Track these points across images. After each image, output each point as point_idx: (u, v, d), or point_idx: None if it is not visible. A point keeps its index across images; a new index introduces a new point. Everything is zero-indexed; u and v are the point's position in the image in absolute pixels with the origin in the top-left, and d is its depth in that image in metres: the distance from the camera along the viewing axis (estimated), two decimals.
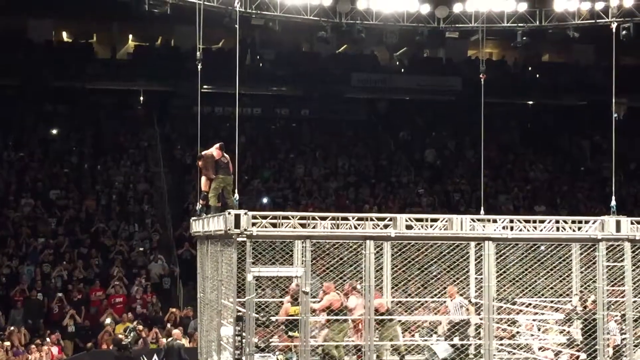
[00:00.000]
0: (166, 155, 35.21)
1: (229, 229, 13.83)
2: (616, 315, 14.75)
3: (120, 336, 18.16)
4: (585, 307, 15.38)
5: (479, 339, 15.76)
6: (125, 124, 36.54)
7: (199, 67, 19.10)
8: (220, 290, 15.89)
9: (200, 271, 18.96)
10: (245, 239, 13.72)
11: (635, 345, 15.12)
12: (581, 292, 16.46)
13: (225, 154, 16.96)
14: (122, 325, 23.59)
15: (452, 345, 17.37)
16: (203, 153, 17.30)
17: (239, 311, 13.83)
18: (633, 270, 14.88)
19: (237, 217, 13.74)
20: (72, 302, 24.98)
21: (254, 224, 13.88)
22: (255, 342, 14.28)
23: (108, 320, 24.04)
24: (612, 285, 14.56)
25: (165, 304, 26.02)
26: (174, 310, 24.85)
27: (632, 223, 14.80)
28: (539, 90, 40.87)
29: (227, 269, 15.02)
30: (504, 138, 39.13)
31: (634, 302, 15.06)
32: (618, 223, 14.61)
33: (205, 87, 30.03)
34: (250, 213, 13.93)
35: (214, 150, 17.09)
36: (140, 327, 18.44)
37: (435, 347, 17.17)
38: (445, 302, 17.75)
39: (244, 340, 13.53)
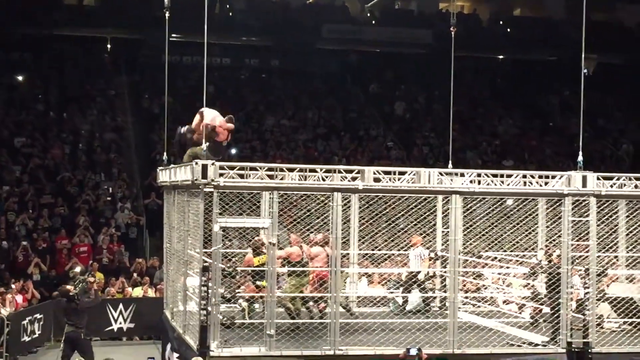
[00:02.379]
0: (134, 104, 34.94)
1: (196, 179, 13.76)
2: (580, 270, 14.92)
3: (68, 287, 18.14)
4: (550, 261, 15.54)
5: (444, 291, 15.91)
6: (92, 72, 36.16)
7: (167, 14, 18.87)
8: (187, 241, 15.86)
9: (167, 221, 18.91)
10: (212, 190, 13.68)
11: (598, 299, 15.35)
12: (546, 246, 16.62)
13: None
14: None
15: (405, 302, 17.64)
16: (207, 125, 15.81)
17: (205, 262, 13.83)
18: (598, 226, 15.04)
19: (205, 167, 13.67)
20: (37, 251, 24.88)
21: (221, 175, 13.81)
22: (221, 292, 14.31)
23: (77, 269, 23.96)
24: (577, 240, 14.71)
25: (131, 254, 26.01)
26: (140, 260, 24.84)
27: (598, 179, 14.92)
28: (509, 45, 40.90)
29: (194, 219, 14.98)
30: (474, 92, 39.21)
31: (598, 256, 15.25)
32: (584, 178, 14.72)
33: (173, 35, 29.73)
34: (218, 163, 13.86)
35: (222, 131, 15.90)
36: (92, 279, 18.42)
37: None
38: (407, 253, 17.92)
39: (210, 291, 13.55)
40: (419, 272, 17.54)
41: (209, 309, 13.50)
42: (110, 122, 33.40)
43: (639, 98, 38.64)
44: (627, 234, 16.78)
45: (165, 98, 21.08)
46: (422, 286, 17.76)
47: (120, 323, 22.20)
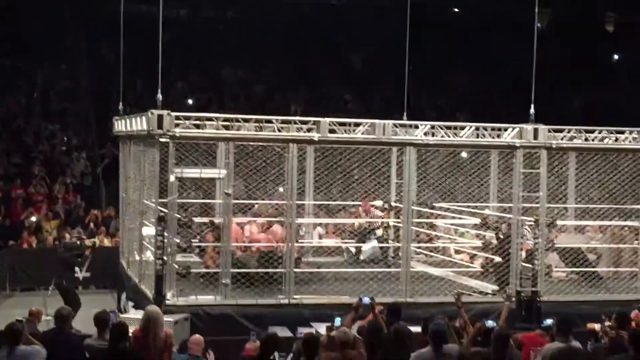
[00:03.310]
0: (90, 53, 34.42)
1: (152, 130, 13.64)
2: (530, 221, 15.11)
3: (67, 234, 18.20)
4: (499, 239, 15.71)
5: (398, 241, 16.03)
6: (47, 20, 35.46)
7: None
8: (143, 191, 15.78)
9: (123, 171, 18.79)
10: (168, 140, 13.57)
11: (547, 249, 15.57)
12: (496, 226, 16.67)
13: None
14: (47, 223, 23.41)
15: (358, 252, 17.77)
16: None
17: (161, 211, 13.77)
18: (548, 178, 15.22)
19: (160, 117, 13.55)
20: None
21: (177, 125, 13.70)
22: (177, 242, 14.28)
23: (33, 219, 23.80)
24: (528, 192, 14.88)
25: (87, 204, 25.80)
26: (95, 212, 24.63)
27: (549, 131, 15.07)
28: None
29: (150, 169, 14.89)
30: (431, 45, 39.14)
31: (548, 208, 15.45)
32: (536, 131, 14.87)
33: None
34: (174, 114, 13.74)
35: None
36: (89, 242, 18.36)
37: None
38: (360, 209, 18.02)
39: (165, 241, 13.51)
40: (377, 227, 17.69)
41: (165, 258, 13.47)
42: (66, 71, 32.90)
43: (592, 52, 38.91)
44: (577, 186, 17.03)
45: (121, 47, 20.80)
46: (377, 236, 17.87)
47: (77, 273, 22.04)
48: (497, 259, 15.37)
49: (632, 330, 10.46)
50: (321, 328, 12.70)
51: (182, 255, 15.97)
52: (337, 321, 10.72)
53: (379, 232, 17.77)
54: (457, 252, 18.10)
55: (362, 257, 17.74)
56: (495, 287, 15.09)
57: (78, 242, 17.90)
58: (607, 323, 11.44)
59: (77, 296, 16.93)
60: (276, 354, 10.17)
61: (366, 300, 11.51)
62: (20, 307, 17.73)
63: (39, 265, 21.05)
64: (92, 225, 23.81)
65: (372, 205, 17.76)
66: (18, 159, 26.91)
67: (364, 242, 17.82)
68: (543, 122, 15.36)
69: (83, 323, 12.90)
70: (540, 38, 17.00)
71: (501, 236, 15.58)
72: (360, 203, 17.93)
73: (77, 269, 19.30)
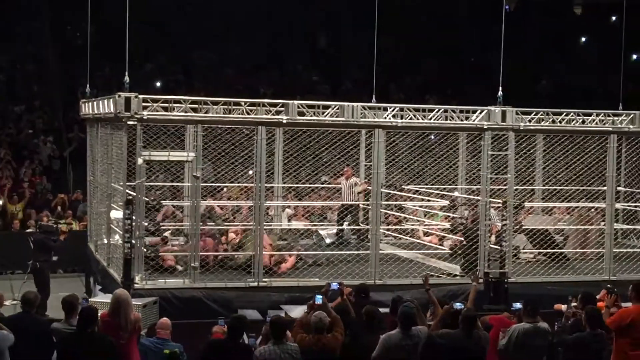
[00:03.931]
0: (56, 35, 34.07)
1: (119, 112, 13.55)
2: (498, 203, 15.21)
3: (44, 217, 18.07)
4: (463, 224, 15.79)
5: (367, 224, 16.07)
6: (14, 1, 35.07)
7: None
8: (111, 174, 15.70)
9: (90, 154, 18.67)
10: (135, 123, 13.49)
11: (515, 231, 15.70)
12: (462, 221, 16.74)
13: None
14: (12, 205, 23.19)
15: (341, 230, 17.77)
16: None
17: (129, 195, 13.70)
18: (516, 160, 15.32)
19: (128, 100, 13.45)
20: None
21: (144, 108, 13.61)
22: (145, 225, 14.23)
23: (0, 202, 23.61)
24: (496, 174, 14.97)
25: (54, 187, 25.61)
26: (62, 195, 24.44)
27: (517, 114, 15.15)
28: None
29: (118, 152, 14.81)
30: (400, 28, 39.13)
31: (516, 189, 15.56)
32: (504, 113, 14.94)
33: None
34: (141, 96, 13.64)
35: None
36: (64, 227, 18.17)
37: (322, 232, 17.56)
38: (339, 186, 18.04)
39: (133, 224, 13.45)
40: (352, 206, 17.67)
41: (133, 241, 13.42)
42: (32, 53, 32.54)
43: (560, 34, 39.11)
44: (544, 168, 17.17)
45: (88, 29, 20.61)
46: (356, 217, 17.89)
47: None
48: (464, 241, 15.47)
49: (588, 309, 10.59)
50: (291, 311, 12.74)
51: (151, 238, 15.94)
52: (318, 299, 10.64)
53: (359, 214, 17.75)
54: (426, 234, 18.19)
55: (328, 241, 17.73)
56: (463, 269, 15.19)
57: (55, 226, 17.75)
58: (573, 304, 11.56)
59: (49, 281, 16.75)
60: (245, 336, 10.17)
61: (334, 286, 11.50)
62: None
63: (5, 248, 20.88)
64: (59, 208, 23.64)
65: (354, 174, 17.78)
66: None
67: (342, 219, 17.85)
68: (511, 104, 15.43)
69: (51, 307, 12.84)
70: (508, 20, 17.04)
71: (464, 221, 15.67)
72: (331, 185, 17.97)
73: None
